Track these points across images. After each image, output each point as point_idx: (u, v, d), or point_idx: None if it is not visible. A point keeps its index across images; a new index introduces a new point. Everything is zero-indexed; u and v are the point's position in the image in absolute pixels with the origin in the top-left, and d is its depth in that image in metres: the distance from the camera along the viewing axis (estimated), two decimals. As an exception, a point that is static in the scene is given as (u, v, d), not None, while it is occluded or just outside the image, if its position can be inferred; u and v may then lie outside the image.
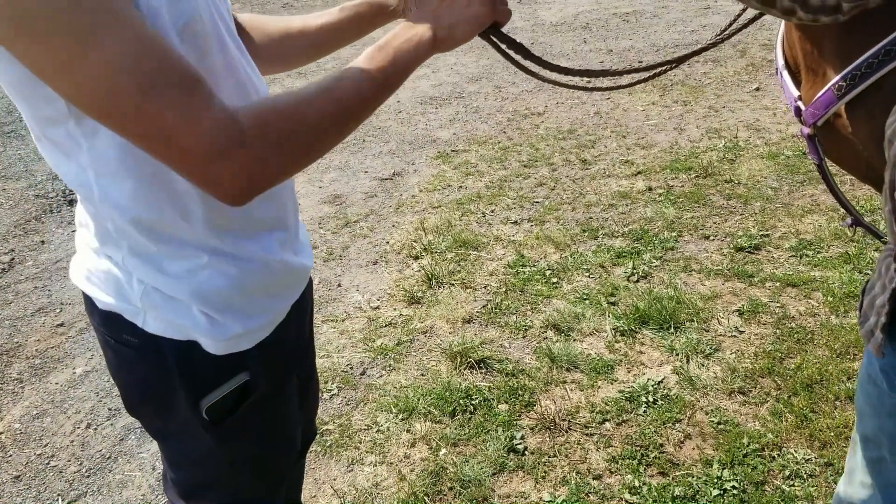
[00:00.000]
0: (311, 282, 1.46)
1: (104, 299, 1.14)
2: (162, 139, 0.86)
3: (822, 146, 1.44)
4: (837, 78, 1.18)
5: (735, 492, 2.23)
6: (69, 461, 2.67)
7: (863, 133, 1.27)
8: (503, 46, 1.30)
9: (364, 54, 1.08)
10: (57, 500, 2.51)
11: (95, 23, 0.80)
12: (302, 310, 1.36)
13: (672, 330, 2.98)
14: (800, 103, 1.44)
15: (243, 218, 1.12)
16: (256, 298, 1.17)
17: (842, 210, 3.70)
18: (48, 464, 2.67)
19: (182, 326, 1.12)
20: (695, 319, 3.03)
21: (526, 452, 2.47)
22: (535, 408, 2.64)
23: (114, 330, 1.16)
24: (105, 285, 1.14)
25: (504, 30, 1.27)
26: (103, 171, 0.99)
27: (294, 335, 1.34)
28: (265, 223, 1.17)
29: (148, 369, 1.18)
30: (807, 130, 1.53)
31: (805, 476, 2.26)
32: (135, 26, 0.83)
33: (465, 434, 2.57)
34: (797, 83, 1.55)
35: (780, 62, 1.46)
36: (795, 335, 2.88)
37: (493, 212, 4.20)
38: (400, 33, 1.11)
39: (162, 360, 1.15)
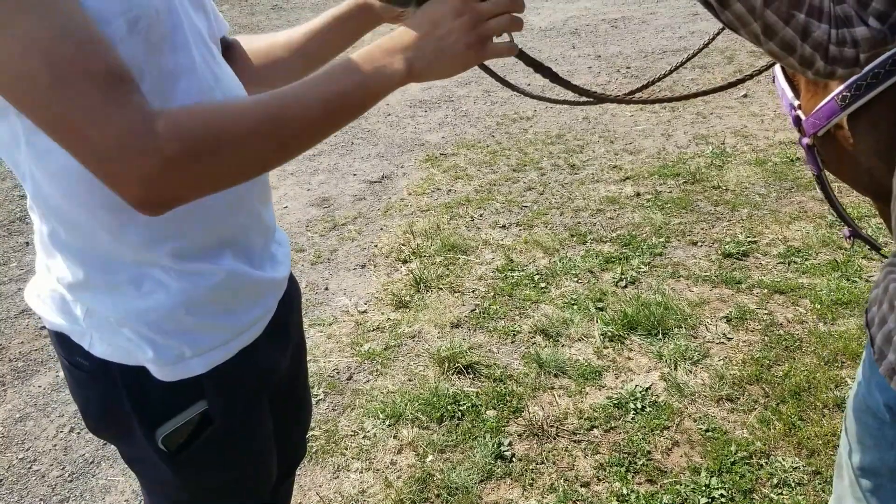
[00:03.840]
0: (297, 301, 1.39)
1: (52, 319, 1.09)
2: (68, 130, 0.81)
3: (821, 157, 1.43)
4: (841, 88, 1.18)
5: (723, 500, 2.23)
6: (52, 466, 2.64)
7: (865, 144, 1.26)
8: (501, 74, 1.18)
9: (325, 71, 0.96)
10: (38, 505, 2.48)
11: (16, 1, 0.77)
12: (279, 331, 1.26)
13: (660, 336, 2.98)
14: (799, 112, 1.43)
15: (183, 234, 1.03)
16: (205, 315, 1.08)
17: (830, 218, 3.72)
18: (30, 468, 2.64)
19: (128, 350, 1.05)
20: (683, 326, 3.03)
21: (514, 459, 2.46)
22: (523, 414, 2.63)
23: (66, 351, 1.11)
24: (52, 304, 1.09)
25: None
26: (41, 168, 0.94)
27: (268, 359, 1.24)
28: (211, 241, 1.07)
29: (101, 395, 1.11)
30: (806, 141, 1.52)
31: (793, 484, 2.26)
32: (60, 9, 0.79)
33: (452, 440, 2.55)
34: (794, 92, 1.54)
35: (778, 70, 1.45)
36: (783, 342, 2.89)
37: (481, 216, 4.19)
38: (374, 56, 0.97)
39: (113, 386, 1.08)
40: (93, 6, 0.84)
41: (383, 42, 0.99)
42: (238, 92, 1.11)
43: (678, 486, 2.29)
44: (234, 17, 9.69)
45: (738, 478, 2.30)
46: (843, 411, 2.50)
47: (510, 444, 2.52)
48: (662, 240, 3.73)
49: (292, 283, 1.37)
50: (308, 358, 3.04)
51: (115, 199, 0.93)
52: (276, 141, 0.91)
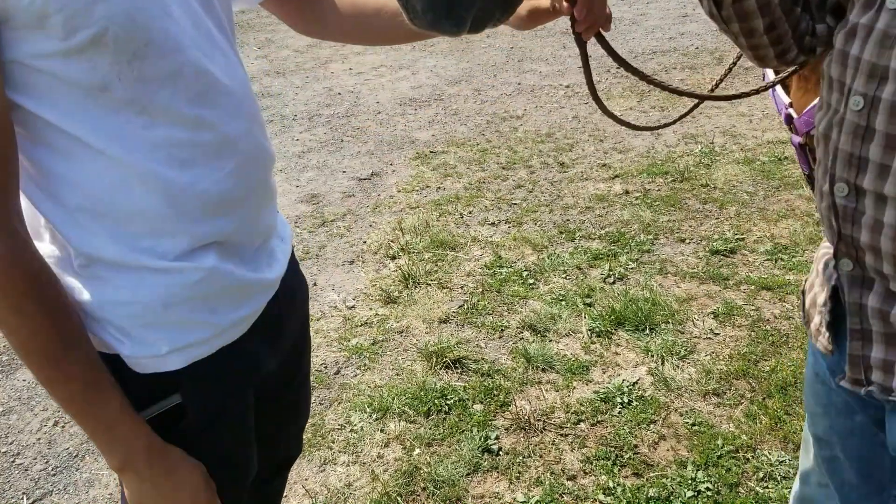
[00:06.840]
0: (299, 299, 1.36)
1: None
2: None
3: (812, 156, 1.42)
4: None
5: (709, 493, 2.23)
6: (35, 459, 2.61)
7: None
8: None
9: (98, 381, 1.00)
10: (21, 498, 2.46)
11: None
12: (271, 330, 1.24)
13: (647, 331, 2.98)
14: (791, 111, 1.42)
15: (167, 233, 1.03)
16: (184, 311, 1.07)
17: (817, 216, 3.74)
18: (13, 462, 2.61)
19: (102, 340, 1.04)
20: (670, 321, 3.03)
21: (500, 453, 2.46)
22: (510, 408, 2.63)
23: None
24: None
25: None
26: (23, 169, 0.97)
27: (252, 358, 1.21)
28: (193, 242, 1.06)
29: None
30: (798, 140, 1.51)
31: (779, 478, 2.26)
32: None
33: (439, 434, 2.55)
34: (786, 90, 1.54)
35: (769, 70, 1.44)
36: (770, 338, 2.90)
37: (470, 213, 4.19)
38: (121, 432, 1.02)
39: None
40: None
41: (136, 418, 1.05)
42: (240, 89, 1.08)
43: (664, 480, 2.29)
44: None
45: (724, 471, 2.30)
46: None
47: (497, 437, 2.51)
48: (651, 237, 3.74)
49: (297, 280, 1.34)
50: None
51: (93, 201, 0.98)
52: (34, 352, 0.96)
